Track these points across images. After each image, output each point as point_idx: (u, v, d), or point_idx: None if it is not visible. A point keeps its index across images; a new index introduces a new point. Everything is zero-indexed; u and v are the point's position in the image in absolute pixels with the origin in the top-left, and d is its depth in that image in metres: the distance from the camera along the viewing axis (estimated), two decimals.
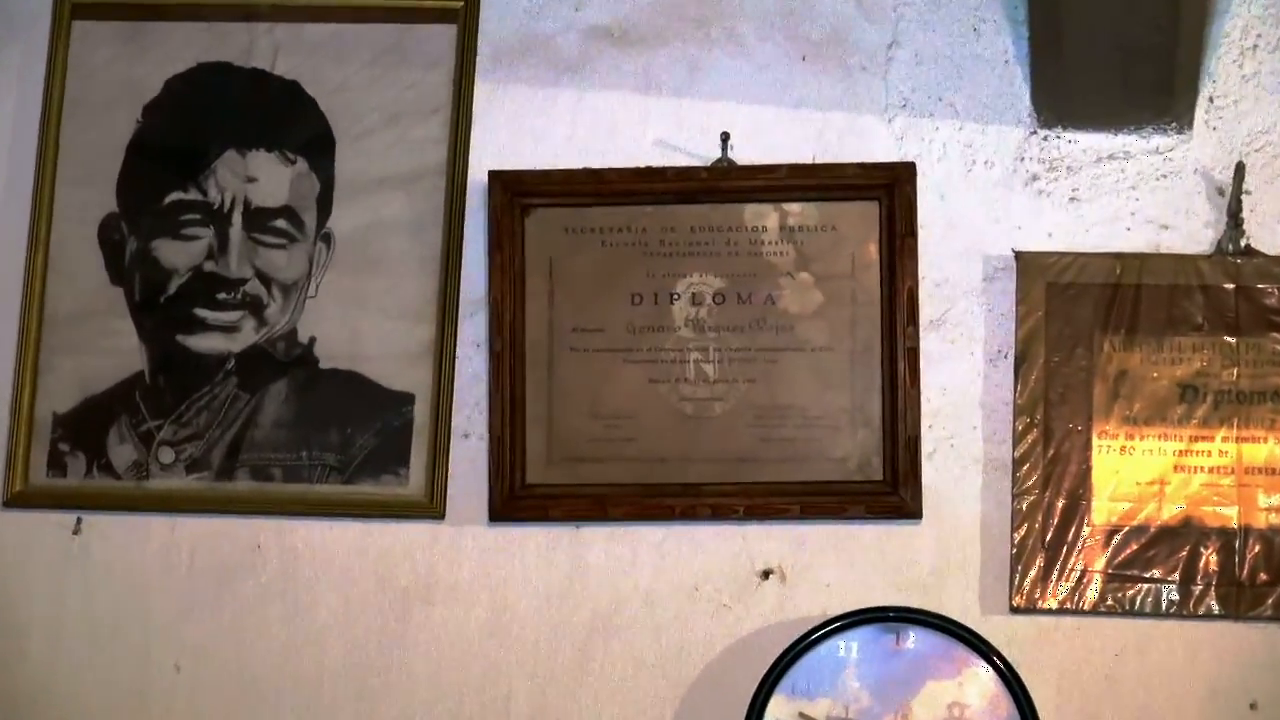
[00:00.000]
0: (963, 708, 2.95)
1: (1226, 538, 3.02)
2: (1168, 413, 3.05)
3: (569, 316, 3.16)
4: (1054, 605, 3.04)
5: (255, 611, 3.19)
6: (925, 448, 3.09)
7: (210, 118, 3.28)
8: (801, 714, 2.96)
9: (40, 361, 3.25)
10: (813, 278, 3.13)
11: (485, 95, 3.23)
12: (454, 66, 3.23)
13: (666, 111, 3.20)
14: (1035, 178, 3.14)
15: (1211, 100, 3.12)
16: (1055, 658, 3.05)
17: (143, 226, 3.27)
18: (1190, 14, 2.88)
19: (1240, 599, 3.01)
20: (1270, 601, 3.01)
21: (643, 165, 3.18)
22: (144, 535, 3.21)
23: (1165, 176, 3.12)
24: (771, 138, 3.17)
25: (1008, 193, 3.14)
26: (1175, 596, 3.02)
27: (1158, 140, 3.12)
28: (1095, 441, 3.05)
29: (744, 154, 3.17)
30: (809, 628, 3.00)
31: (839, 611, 3.02)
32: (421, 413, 3.17)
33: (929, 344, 3.10)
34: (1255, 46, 3.13)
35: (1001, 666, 2.96)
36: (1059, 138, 3.14)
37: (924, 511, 3.08)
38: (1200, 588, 3.02)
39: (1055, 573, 3.04)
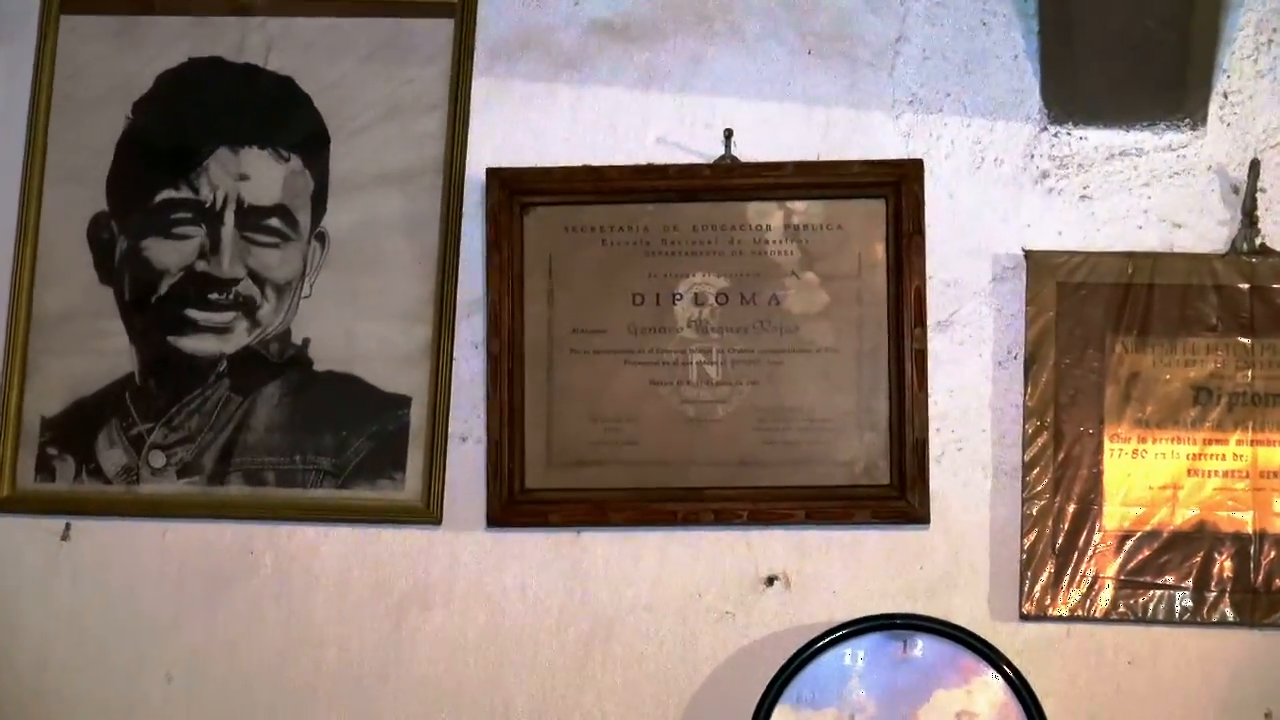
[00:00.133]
0: (971, 717, 2.95)
1: (1241, 543, 3.01)
2: (1181, 415, 3.05)
3: (569, 317, 3.15)
4: (1065, 612, 3.03)
5: (248, 619, 3.18)
6: (933, 451, 3.08)
7: (202, 114, 3.27)
8: None
9: (28, 363, 3.24)
10: (818, 277, 3.13)
11: (483, 91, 3.22)
12: (451, 62, 3.23)
13: (668, 107, 3.20)
14: (1045, 175, 3.14)
15: (1225, 96, 3.11)
16: (1066, 666, 3.05)
17: (133, 225, 3.27)
18: (1204, 8, 2.87)
19: (1255, 606, 3.00)
20: None
21: (644, 162, 3.17)
22: (134, 541, 3.20)
23: (1178, 174, 3.11)
24: (776, 134, 3.17)
25: (1017, 190, 3.13)
26: (1189, 603, 3.02)
27: (1171, 137, 3.11)
28: (1107, 445, 3.04)
29: (747, 151, 3.16)
30: (814, 635, 2.99)
31: (845, 619, 3.01)
32: (418, 416, 3.16)
33: (937, 345, 3.10)
34: (1270, 41, 3.12)
35: (1011, 675, 2.95)
36: (1070, 134, 3.13)
37: (932, 516, 3.08)
38: (1214, 594, 3.01)
39: (1066, 579, 3.03)
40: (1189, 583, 3.02)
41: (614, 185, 3.15)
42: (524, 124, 3.22)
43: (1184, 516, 3.03)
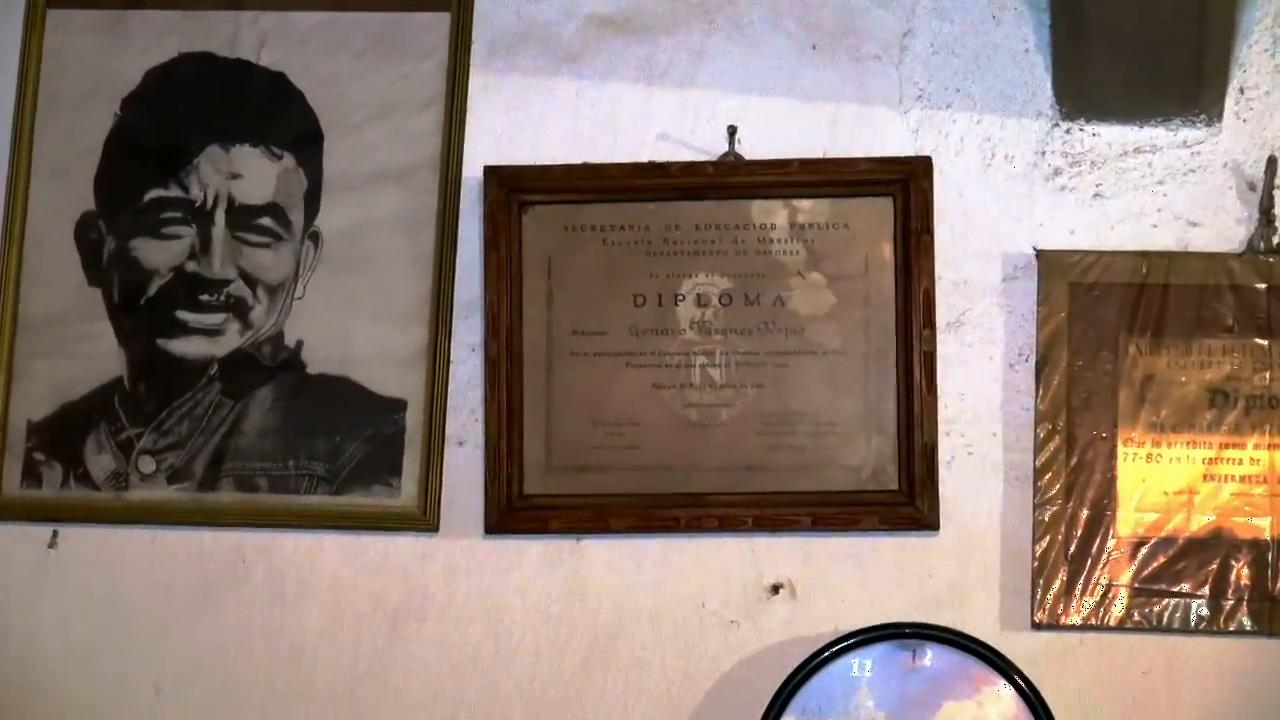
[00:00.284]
0: None
1: (1259, 550, 3.00)
2: (1196, 419, 3.04)
3: (568, 319, 3.15)
4: (1078, 621, 3.02)
5: (240, 629, 3.17)
6: (942, 456, 3.07)
7: (192, 111, 3.26)
8: None
9: (14, 366, 3.23)
10: (824, 278, 3.12)
11: (481, 87, 3.22)
12: (448, 57, 3.22)
13: (670, 103, 3.19)
14: (1057, 172, 3.13)
15: (1242, 91, 3.10)
16: (1079, 676, 3.04)
17: (121, 225, 3.25)
18: (1220, 0, 2.87)
19: (1273, 615, 2.99)
20: None
21: (645, 160, 3.16)
22: (123, 549, 3.20)
23: (1194, 171, 3.10)
24: (780, 131, 3.16)
25: (1028, 188, 3.12)
26: (1205, 612, 3.00)
27: (1186, 133, 3.10)
28: (1120, 449, 3.04)
29: (752, 148, 3.15)
30: (821, 645, 2.98)
31: (852, 628, 3.01)
32: (414, 420, 3.15)
33: (946, 347, 3.09)
34: None
35: (1023, 686, 2.94)
36: (1082, 130, 3.12)
37: (941, 522, 3.07)
38: (1231, 602, 3.00)
39: (1079, 587, 3.02)
40: (1205, 591, 3.00)
41: (615, 183, 3.14)
42: (522, 120, 3.21)
43: (1200, 522, 3.02)
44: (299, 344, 3.19)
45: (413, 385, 3.15)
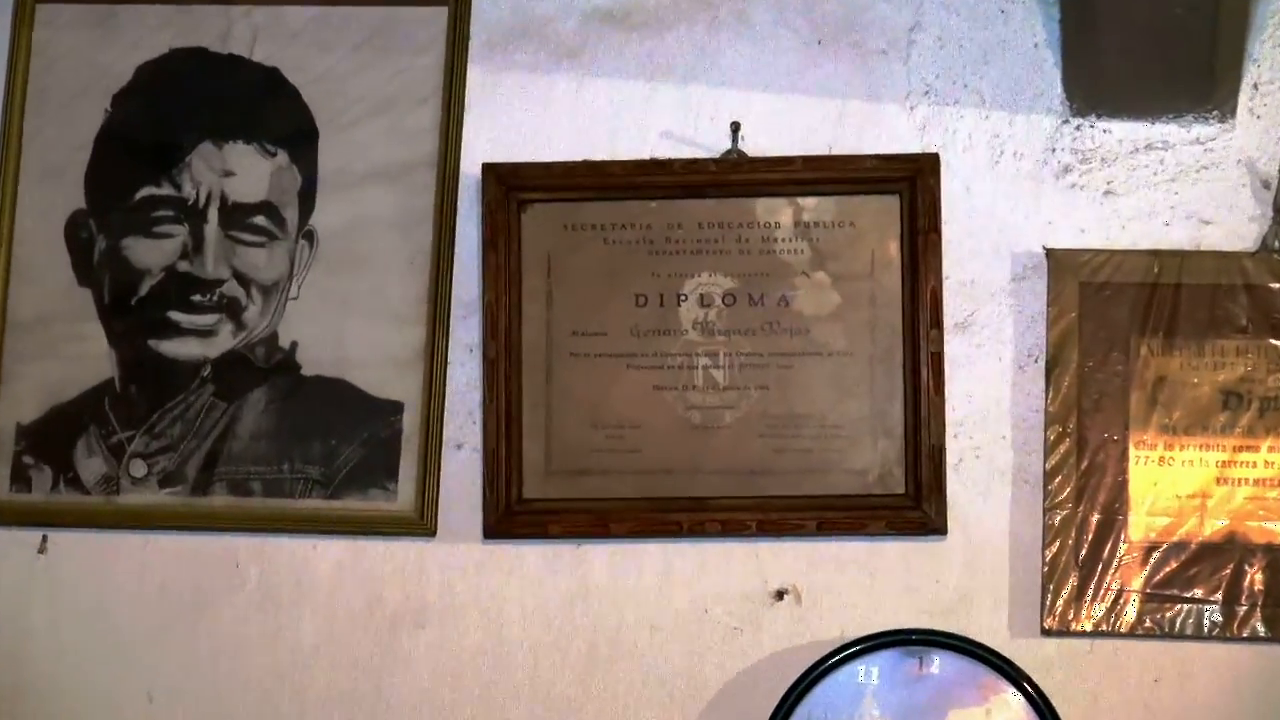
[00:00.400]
0: None
1: (1273, 555, 3.00)
2: (1210, 421, 3.03)
3: (568, 319, 3.14)
4: (1088, 627, 3.02)
5: (234, 636, 3.17)
6: (950, 459, 3.07)
7: (184, 107, 3.25)
8: None
9: (3, 368, 3.22)
10: (829, 277, 3.11)
11: (479, 82, 3.22)
12: (445, 51, 3.22)
13: (673, 99, 3.19)
14: (1067, 170, 3.12)
15: (1256, 86, 3.10)
16: (1090, 684, 3.03)
17: (112, 224, 3.25)
18: None
19: None
20: None
21: (647, 157, 3.17)
22: (114, 554, 3.19)
23: (1207, 168, 3.10)
24: (785, 127, 3.16)
25: (1038, 186, 3.12)
26: (1218, 618, 3.00)
27: (1198, 129, 3.09)
28: (1132, 452, 3.04)
29: (756, 145, 3.15)
30: (826, 652, 2.98)
31: (858, 634, 3.01)
32: (411, 422, 3.15)
33: (954, 348, 3.09)
34: None
35: (1032, 693, 2.94)
36: (1093, 127, 3.12)
37: (949, 527, 3.07)
38: (1245, 608, 3.00)
39: (1090, 592, 3.02)
40: (1218, 596, 3.00)
41: (616, 181, 3.14)
42: (521, 117, 3.21)
43: (1213, 527, 3.02)
44: (293, 345, 3.18)
45: (410, 387, 3.14)
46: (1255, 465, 3.00)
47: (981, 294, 3.10)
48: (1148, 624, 2.99)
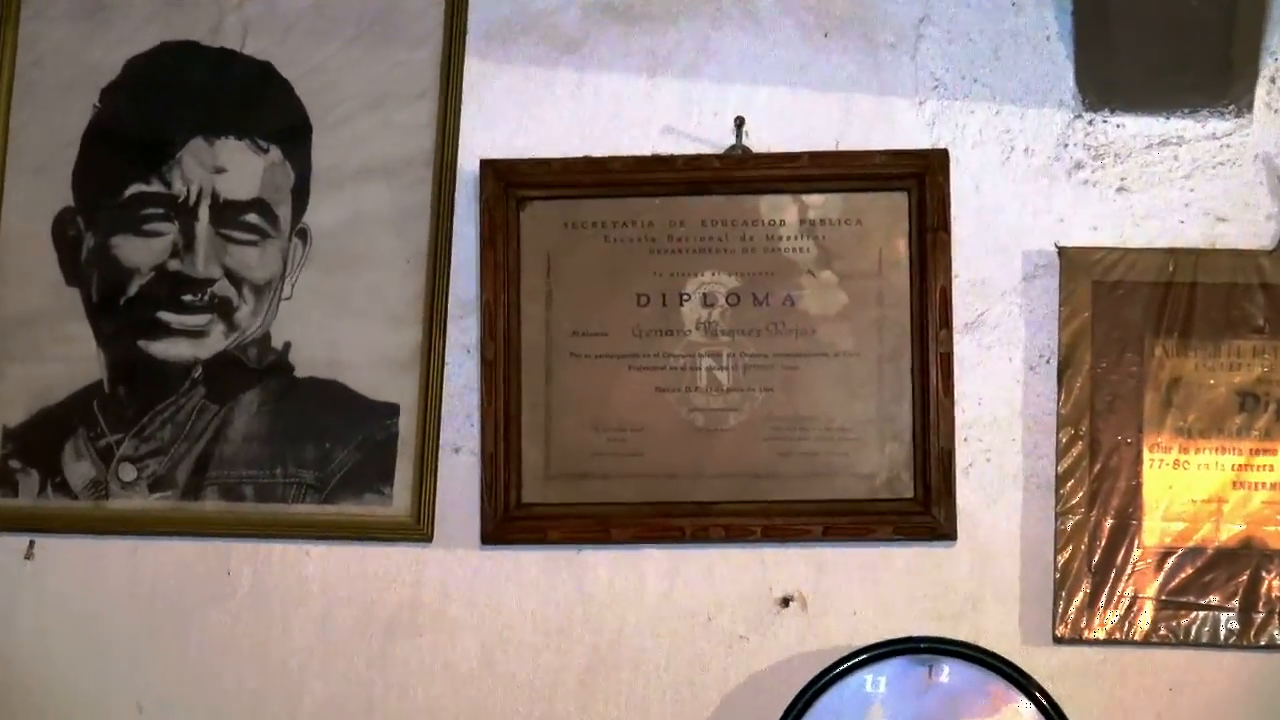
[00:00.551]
0: None
1: None
2: (1225, 423, 3.02)
3: (568, 319, 3.14)
4: (1102, 635, 3.01)
5: (225, 644, 3.17)
6: (960, 462, 3.07)
7: (175, 102, 3.26)
8: None
9: None
10: (836, 276, 3.11)
11: (477, 76, 3.21)
12: (442, 45, 3.21)
13: (675, 94, 3.18)
14: (1080, 166, 3.11)
15: (1273, 80, 3.09)
16: (1103, 693, 3.03)
17: (101, 222, 3.25)
18: None
19: None
20: None
21: (649, 153, 3.16)
22: (103, 560, 3.20)
23: (1222, 164, 3.08)
24: (790, 123, 3.15)
25: (1049, 182, 3.11)
26: (1235, 625, 2.99)
27: (1214, 124, 3.08)
28: (1146, 455, 3.03)
29: (760, 140, 3.14)
30: (833, 660, 2.97)
31: (866, 642, 2.99)
32: (407, 425, 3.14)
33: (964, 349, 3.08)
34: None
35: (1044, 702, 2.92)
36: (1105, 122, 3.11)
37: (959, 532, 3.06)
38: (1262, 615, 2.99)
39: (1103, 599, 3.01)
40: (1235, 603, 2.99)
41: (617, 177, 3.14)
42: (520, 112, 3.20)
43: (1229, 532, 3.00)
44: (287, 346, 3.18)
45: (406, 389, 3.14)
46: (1272, 469, 2.99)
47: (992, 293, 3.09)
48: (1162, 632, 2.98)
